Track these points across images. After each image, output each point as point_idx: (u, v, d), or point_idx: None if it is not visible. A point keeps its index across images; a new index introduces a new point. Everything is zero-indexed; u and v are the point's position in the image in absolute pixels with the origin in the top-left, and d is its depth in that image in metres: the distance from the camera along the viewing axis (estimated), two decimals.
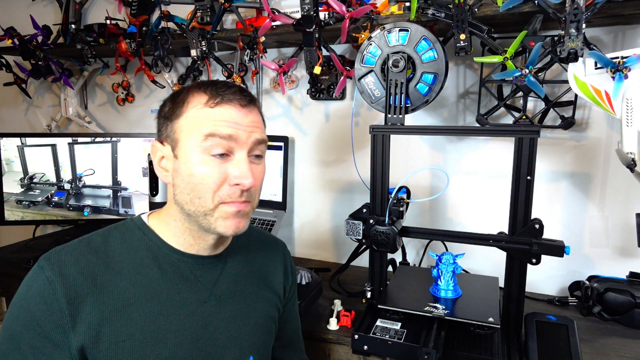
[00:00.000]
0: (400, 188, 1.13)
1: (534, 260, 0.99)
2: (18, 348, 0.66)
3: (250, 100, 0.74)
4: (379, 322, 1.08)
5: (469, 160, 1.45)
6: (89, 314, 0.67)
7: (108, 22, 1.68)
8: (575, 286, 1.28)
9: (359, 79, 1.15)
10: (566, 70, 1.08)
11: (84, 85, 2.04)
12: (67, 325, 0.65)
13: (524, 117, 1.28)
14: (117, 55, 1.66)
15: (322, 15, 1.33)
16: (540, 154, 1.30)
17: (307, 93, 1.64)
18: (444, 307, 1.04)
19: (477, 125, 1.34)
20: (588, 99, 1.03)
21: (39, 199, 1.72)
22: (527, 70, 1.06)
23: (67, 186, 1.73)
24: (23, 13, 2.04)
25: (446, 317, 1.00)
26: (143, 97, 1.95)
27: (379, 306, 1.09)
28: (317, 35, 1.30)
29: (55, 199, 1.72)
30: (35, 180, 1.72)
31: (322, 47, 1.33)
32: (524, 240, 0.99)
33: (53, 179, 1.72)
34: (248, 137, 0.71)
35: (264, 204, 1.62)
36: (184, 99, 0.73)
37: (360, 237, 1.11)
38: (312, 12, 1.26)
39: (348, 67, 1.36)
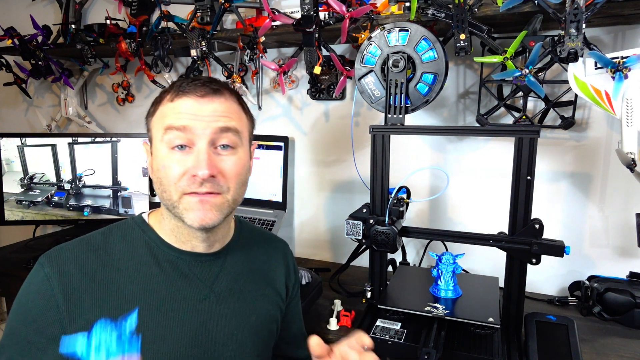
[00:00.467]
0: (400, 188, 1.13)
1: (534, 260, 0.99)
2: (16, 343, 0.67)
3: (214, 90, 0.72)
4: (379, 322, 1.08)
5: (469, 160, 1.45)
6: (87, 311, 0.67)
7: (108, 22, 1.68)
8: (575, 286, 1.28)
9: (359, 79, 1.15)
10: (566, 70, 1.08)
11: (84, 85, 2.04)
12: (64, 321, 0.66)
13: (524, 117, 1.28)
14: (117, 55, 1.66)
15: (322, 15, 1.33)
16: (540, 154, 1.30)
17: (307, 93, 1.64)
18: (444, 307, 1.04)
19: (477, 125, 1.34)
20: (588, 99, 1.03)
21: (39, 199, 1.72)
22: (527, 70, 1.06)
23: (67, 186, 1.73)
24: (23, 13, 2.04)
25: (446, 317, 1.00)
26: (143, 97, 1.95)
27: (379, 306, 1.09)
28: (317, 35, 1.30)
29: (55, 199, 1.72)
30: (35, 180, 1.72)
31: (322, 47, 1.33)
32: (524, 240, 0.99)
33: (53, 179, 1.72)
34: (206, 127, 0.70)
35: (264, 204, 1.62)
36: (158, 98, 0.76)
37: (360, 237, 1.11)
38: (312, 12, 1.26)
39: (348, 67, 1.36)
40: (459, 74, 1.43)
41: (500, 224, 1.11)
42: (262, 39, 1.39)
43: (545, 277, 1.38)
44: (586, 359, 0.98)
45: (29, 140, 1.70)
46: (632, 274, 1.20)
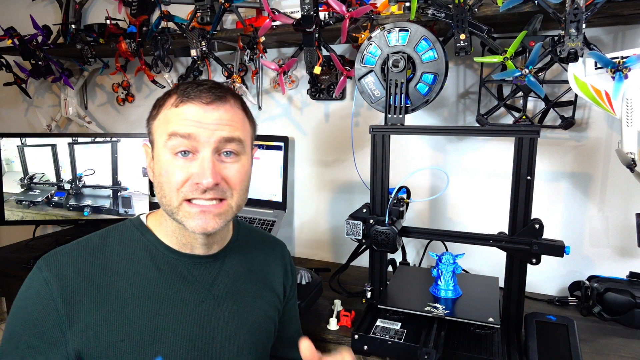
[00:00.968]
0: (400, 188, 1.13)
1: (534, 260, 0.99)
2: (16, 348, 0.66)
3: (219, 97, 0.72)
4: (379, 322, 1.08)
5: (469, 160, 1.45)
6: (87, 314, 0.67)
7: (108, 22, 1.68)
8: (575, 286, 1.28)
9: (359, 79, 1.15)
10: (566, 70, 1.08)
11: (84, 85, 2.04)
12: (63, 325, 0.66)
13: (524, 117, 1.28)
14: (117, 55, 1.66)
15: (322, 15, 1.33)
16: (540, 154, 1.30)
17: (307, 93, 1.64)
18: (444, 307, 1.04)
19: (477, 125, 1.34)
20: (588, 99, 1.03)
21: (39, 199, 1.72)
22: (527, 70, 1.06)
23: (67, 186, 1.73)
24: (23, 13, 2.04)
25: (446, 317, 1.00)
26: (143, 97, 1.95)
27: (379, 306, 1.09)
28: (317, 35, 1.30)
29: (55, 199, 1.72)
30: (35, 180, 1.72)
31: (322, 47, 1.33)
32: (524, 240, 0.99)
33: (53, 179, 1.72)
34: (210, 135, 0.70)
35: (264, 204, 1.62)
36: (161, 101, 0.75)
37: (360, 237, 1.11)
38: (312, 12, 1.26)
39: (348, 67, 1.36)
40: (459, 74, 1.43)
41: (500, 224, 1.11)
42: (262, 39, 1.39)
43: (545, 277, 1.38)
44: (586, 359, 0.98)
45: (29, 140, 1.70)
46: (632, 274, 1.20)
